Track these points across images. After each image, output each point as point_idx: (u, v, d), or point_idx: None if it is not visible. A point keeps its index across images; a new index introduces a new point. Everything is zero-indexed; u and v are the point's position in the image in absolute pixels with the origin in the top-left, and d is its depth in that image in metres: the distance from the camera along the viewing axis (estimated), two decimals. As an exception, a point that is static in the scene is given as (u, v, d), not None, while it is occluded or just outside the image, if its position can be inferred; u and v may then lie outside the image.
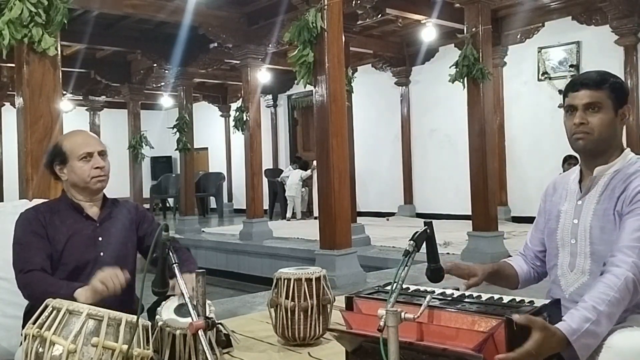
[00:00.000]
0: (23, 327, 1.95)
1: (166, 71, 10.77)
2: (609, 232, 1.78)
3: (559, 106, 9.23)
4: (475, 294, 1.80)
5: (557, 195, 2.01)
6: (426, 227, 1.72)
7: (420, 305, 1.58)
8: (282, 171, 13.08)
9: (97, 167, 2.29)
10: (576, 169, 1.98)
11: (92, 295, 2.03)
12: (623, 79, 8.98)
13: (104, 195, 2.42)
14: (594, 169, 1.88)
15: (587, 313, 1.58)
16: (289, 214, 12.08)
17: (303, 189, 12.13)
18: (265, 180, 10.69)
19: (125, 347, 1.76)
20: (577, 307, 1.62)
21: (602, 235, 1.80)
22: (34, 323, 1.79)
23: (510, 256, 2.27)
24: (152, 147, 12.15)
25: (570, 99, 1.87)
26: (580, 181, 1.94)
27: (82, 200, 2.35)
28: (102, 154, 2.33)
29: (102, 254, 2.30)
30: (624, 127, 1.92)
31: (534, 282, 2.11)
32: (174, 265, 1.90)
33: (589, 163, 1.90)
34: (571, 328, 1.55)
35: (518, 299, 1.73)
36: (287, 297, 2.61)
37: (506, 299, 1.74)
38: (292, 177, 11.98)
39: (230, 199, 15.69)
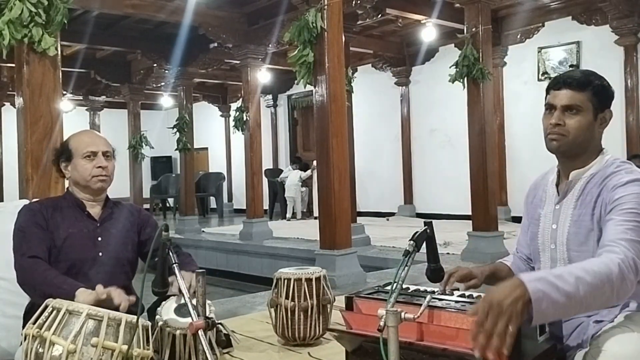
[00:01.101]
0: (23, 327, 1.95)
1: (166, 71, 10.76)
2: (585, 236, 1.75)
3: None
4: (475, 294, 1.80)
5: (537, 198, 1.98)
6: (426, 227, 1.72)
7: (420, 305, 1.58)
8: (282, 171, 13.09)
9: (99, 167, 2.30)
10: (554, 170, 1.94)
11: (92, 299, 2.01)
12: (623, 79, 8.94)
13: (107, 196, 2.43)
14: (569, 173, 1.83)
15: (551, 270, 1.49)
16: (288, 214, 12.08)
17: (303, 189, 12.13)
18: (265, 180, 10.69)
19: (125, 347, 1.76)
20: None
21: (578, 239, 1.77)
22: (33, 323, 1.79)
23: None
24: (152, 147, 12.14)
25: (551, 97, 1.81)
26: (558, 184, 1.90)
27: (84, 199, 2.35)
28: (107, 154, 2.34)
29: (100, 254, 2.30)
30: (603, 131, 1.84)
31: None
32: (174, 265, 1.90)
33: (565, 165, 1.86)
34: (528, 274, 1.44)
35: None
36: (287, 297, 2.61)
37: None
38: (291, 178, 11.97)
39: (230, 199, 15.69)
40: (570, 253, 1.79)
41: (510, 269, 2.05)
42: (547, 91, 1.84)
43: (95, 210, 2.36)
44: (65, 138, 2.50)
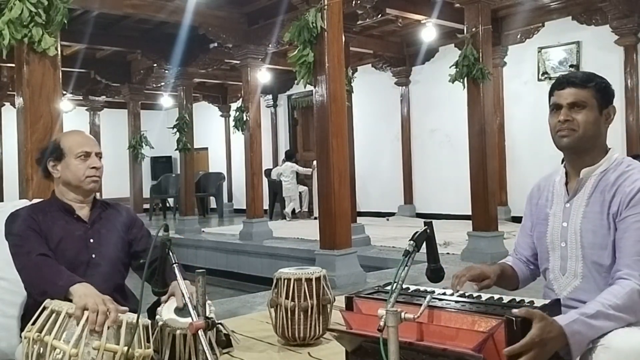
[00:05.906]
0: (22, 328, 1.95)
1: (166, 71, 10.76)
2: (602, 236, 1.77)
3: (559, 106, 9.25)
4: (475, 294, 1.80)
5: (543, 198, 1.99)
6: (426, 227, 1.72)
7: (420, 305, 1.58)
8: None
9: (93, 167, 2.29)
10: (560, 170, 1.96)
11: (83, 300, 1.89)
12: (623, 79, 8.94)
13: (95, 196, 2.41)
14: (579, 171, 1.86)
15: (585, 309, 1.61)
16: (288, 216, 12.06)
17: (302, 188, 12.10)
18: (265, 180, 10.68)
19: (126, 349, 1.76)
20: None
21: (594, 238, 1.79)
22: (32, 325, 1.79)
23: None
24: (152, 147, 12.13)
25: (556, 97, 1.87)
26: (566, 183, 1.92)
27: (72, 201, 2.32)
28: (99, 155, 2.34)
29: (93, 255, 2.28)
30: (608, 127, 1.90)
31: (531, 281, 2.11)
32: (174, 265, 1.89)
33: (574, 163, 1.89)
34: (565, 317, 1.58)
35: (518, 298, 1.73)
36: (287, 297, 2.61)
37: (506, 299, 1.74)
38: (286, 173, 11.91)
39: (230, 199, 15.68)
40: (584, 250, 1.81)
41: (514, 270, 2.05)
42: (551, 93, 1.89)
43: (84, 212, 2.34)
44: None
